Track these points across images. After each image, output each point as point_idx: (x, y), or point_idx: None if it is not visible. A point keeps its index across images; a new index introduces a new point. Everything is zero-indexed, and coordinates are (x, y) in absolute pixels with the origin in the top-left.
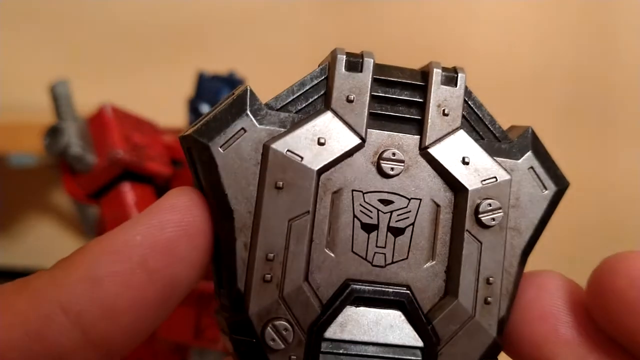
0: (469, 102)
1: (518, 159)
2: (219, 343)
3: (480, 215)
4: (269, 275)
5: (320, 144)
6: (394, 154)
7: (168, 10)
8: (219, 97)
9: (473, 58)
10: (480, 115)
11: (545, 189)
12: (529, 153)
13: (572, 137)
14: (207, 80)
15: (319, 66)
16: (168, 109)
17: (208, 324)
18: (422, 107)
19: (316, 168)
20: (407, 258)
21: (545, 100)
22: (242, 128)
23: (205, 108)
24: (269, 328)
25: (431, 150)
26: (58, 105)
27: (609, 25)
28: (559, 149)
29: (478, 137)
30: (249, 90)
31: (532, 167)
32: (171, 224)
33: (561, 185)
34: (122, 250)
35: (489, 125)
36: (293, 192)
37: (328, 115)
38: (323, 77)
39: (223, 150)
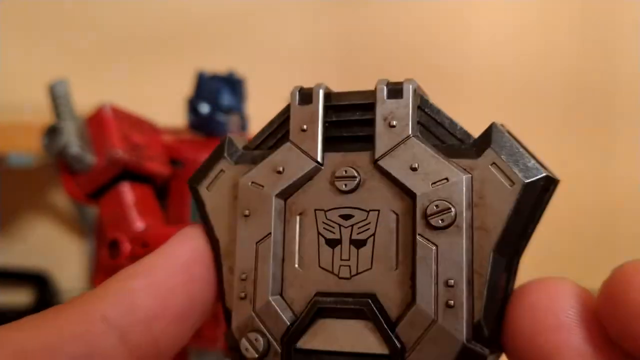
0: (425, 110)
1: (478, 156)
2: (218, 343)
3: (429, 218)
4: (243, 293)
5: (279, 172)
6: (345, 171)
7: (168, 10)
8: (219, 96)
9: (473, 58)
10: (439, 120)
11: (513, 183)
12: (489, 149)
13: (572, 136)
14: (207, 79)
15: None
16: (167, 109)
17: (207, 324)
18: (371, 124)
19: (274, 193)
20: (371, 268)
21: (545, 100)
22: (221, 169)
23: (204, 108)
24: (243, 339)
25: (381, 163)
26: (57, 105)
27: (609, 25)
28: (559, 148)
29: (438, 142)
30: (227, 138)
31: (494, 163)
32: (186, 249)
33: (531, 176)
34: (147, 271)
35: (448, 129)
36: (257, 218)
37: (287, 146)
38: (286, 116)
39: (209, 191)
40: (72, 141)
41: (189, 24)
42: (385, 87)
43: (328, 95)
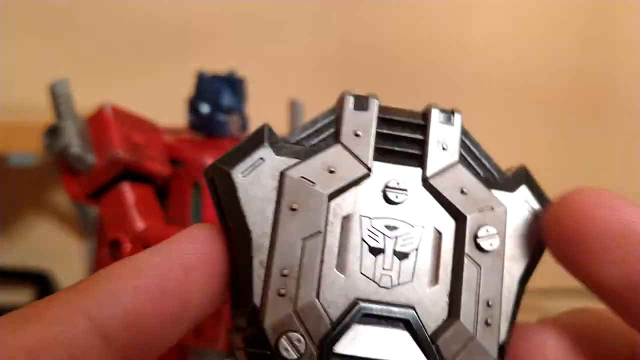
0: (466, 141)
1: (513, 191)
2: (219, 343)
3: (478, 240)
4: (284, 290)
5: (331, 172)
6: (398, 183)
7: (168, 10)
8: (219, 97)
9: (474, 58)
10: (477, 153)
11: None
12: (523, 186)
13: (572, 136)
14: (207, 80)
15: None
16: (168, 109)
17: (208, 324)
18: (423, 144)
19: (327, 192)
20: (411, 281)
21: (545, 100)
22: (261, 157)
23: (205, 108)
24: (282, 339)
25: (432, 181)
26: (57, 105)
27: (610, 25)
28: (559, 148)
29: (475, 172)
30: (267, 126)
31: (526, 200)
32: (189, 251)
33: None
34: (142, 269)
35: (484, 162)
36: (306, 214)
37: (338, 147)
38: (333, 117)
39: (243, 177)
40: (72, 141)
41: (189, 25)
42: (439, 112)
43: (381, 107)
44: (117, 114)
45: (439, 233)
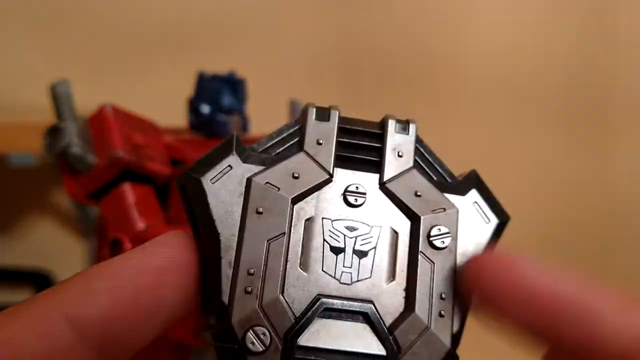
0: (420, 148)
1: (463, 194)
2: None
3: (431, 239)
4: (250, 287)
5: (295, 177)
6: (357, 187)
7: (168, 10)
8: (220, 97)
9: (473, 58)
10: (431, 160)
11: (489, 220)
12: (473, 190)
13: (572, 136)
14: (207, 80)
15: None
16: (168, 109)
17: None
18: (380, 151)
19: (290, 196)
20: (370, 277)
21: (545, 100)
22: (229, 165)
23: (205, 108)
24: (249, 333)
25: (388, 185)
26: (58, 105)
27: (609, 24)
28: (558, 148)
29: (428, 177)
30: (235, 136)
31: (475, 202)
32: (161, 254)
33: (502, 218)
34: (116, 271)
35: (437, 168)
36: (271, 217)
37: (301, 155)
38: (297, 127)
39: (212, 183)
40: (73, 141)
41: (190, 25)
42: (395, 122)
43: (342, 118)
44: (117, 114)
45: (396, 233)
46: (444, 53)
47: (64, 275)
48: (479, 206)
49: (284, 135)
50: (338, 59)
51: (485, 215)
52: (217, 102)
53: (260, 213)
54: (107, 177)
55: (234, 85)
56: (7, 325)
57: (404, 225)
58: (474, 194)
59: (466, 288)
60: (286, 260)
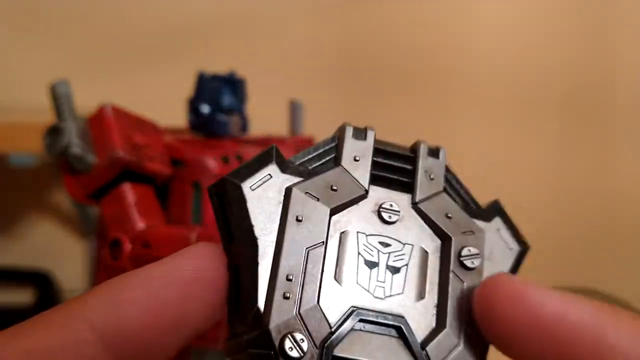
0: (448, 175)
1: (489, 221)
2: (220, 343)
3: (462, 259)
4: (288, 294)
5: (333, 190)
6: (391, 205)
7: (168, 10)
8: (220, 97)
9: (473, 59)
10: (458, 186)
11: (511, 248)
12: (497, 218)
13: (571, 136)
14: (207, 80)
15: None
16: (168, 109)
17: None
18: (412, 173)
19: (330, 207)
20: (402, 293)
21: (544, 100)
22: (269, 174)
23: (205, 108)
24: (287, 339)
25: (420, 205)
26: (58, 105)
27: (609, 25)
28: (558, 148)
29: (456, 202)
30: (275, 147)
31: (499, 229)
32: (188, 266)
33: (524, 247)
34: (143, 282)
35: (464, 194)
36: (310, 225)
37: (339, 169)
38: (333, 144)
39: (252, 190)
40: (73, 141)
41: (190, 25)
42: (426, 146)
43: (376, 139)
44: (117, 114)
45: (426, 252)
46: (444, 54)
47: (64, 274)
48: (502, 234)
49: (321, 151)
50: (338, 59)
51: (508, 243)
52: (217, 102)
53: (300, 221)
54: (107, 177)
55: (234, 85)
56: (31, 335)
57: (434, 245)
58: (497, 222)
59: (478, 313)
60: (322, 270)
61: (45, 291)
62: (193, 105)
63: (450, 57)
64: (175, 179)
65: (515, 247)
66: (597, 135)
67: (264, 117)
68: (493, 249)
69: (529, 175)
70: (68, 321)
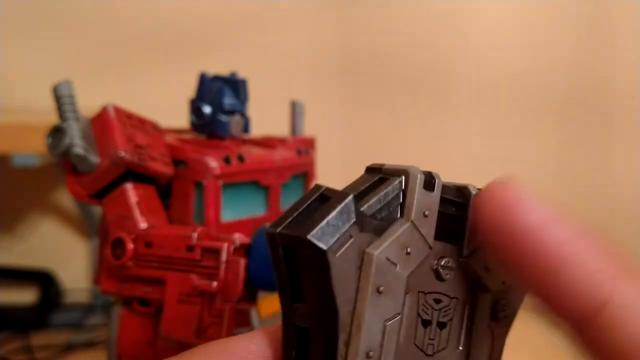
0: None
1: None
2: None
3: (496, 311)
4: None
5: (408, 253)
6: (449, 262)
7: (170, 11)
8: (221, 97)
9: (473, 59)
10: None
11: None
12: None
13: (571, 136)
14: (209, 80)
15: (387, 175)
16: (170, 110)
17: (210, 323)
18: (463, 222)
19: (406, 274)
20: (446, 347)
21: (544, 100)
22: (350, 234)
23: (206, 108)
24: None
25: (470, 261)
26: (61, 106)
27: (608, 25)
28: (558, 148)
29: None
30: (352, 198)
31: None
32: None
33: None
34: (238, 353)
35: None
36: (389, 296)
37: (410, 226)
38: (400, 190)
39: (335, 255)
40: (76, 142)
41: (192, 26)
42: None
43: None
44: (120, 114)
45: (465, 304)
46: (444, 54)
47: (67, 275)
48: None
49: (390, 198)
50: (338, 59)
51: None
52: (219, 102)
53: (381, 292)
54: (110, 177)
55: (235, 85)
56: None
57: (470, 296)
58: None
59: (474, 219)
60: (397, 341)
61: (48, 290)
62: (195, 106)
63: (450, 57)
64: (177, 179)
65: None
66: (595, 135)
67: (265, 118)
68: (514, 301)
69: (528, 176)
70: None
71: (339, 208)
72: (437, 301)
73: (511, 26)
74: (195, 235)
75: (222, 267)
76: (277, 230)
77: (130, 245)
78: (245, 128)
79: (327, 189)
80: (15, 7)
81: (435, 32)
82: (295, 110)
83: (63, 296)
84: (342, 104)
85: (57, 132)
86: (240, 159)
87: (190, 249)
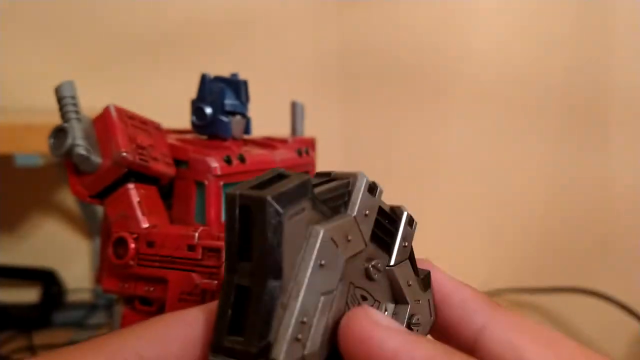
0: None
1: (424, 291)
2: None
3: (411, 324)
4: (300, 336)
5: (348, 240)
6: (378, 264)
7: (172, 11)
8: (222, 98)
9: (473, 59)
10: (413, 256)
11: (432, 315)
12: (429, 289)
13: (569, 138)
14: (210, 81)
15: (338, 178)
16: (172, 110)
17: None
18: (392, 236)
19: (345, 258)
20: None
21: (544, 100)
22: (303, 208)
23: (208, 109)
24: None
25: (394, 270)
26: (63, 106)
27: (608, 25)
28: (557, 148)
29: (414, 271)
30: (311, 179)
31: (429, 300)
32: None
33: (435, 319)
34: (190, 321)
35: (415, 265)
36: (329, 273)
37: (352, 220)
38: (347, 189)
39: (289, 220)
40: (78, 142)
41: (193, 28)
42: (407, 215)
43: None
44: (121, 115)
45: (386, 310)
46: (444, 56)
47: (69, 274)
48: (430, 304)
49: (338, 193)
50: (339, 60)
51: (431, 313)
52: (220, 103)
53: (322, 266)
54: (112, 177)
55: (236, 86)
56: (89, 358)
57: (391, 306)
58: (429, 294)
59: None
60: (328, 317)
61: (51, 289)
62: (196, 107)
63: (450, 58)
64: (178, 179)
65: (433, 317)
66: (595, 136)
67: (266, 118)
68: (422, 315)
69: (527, 176)
70: (119, 350)
71: (297, 182)
72: (364, 298)
73: (511, 26)
74: (196, 234)
75: (223, 266)
76: (238, 192)
77: (132, 245)
78: (247, 129)
79: (285, 170)
80: (19, 7)
81: (435, 33)
82: (296, 110)
83: (65, 295)
84: (342, 104)
85: (59, 133)
86: (241, 159)
87: (191, 248)
